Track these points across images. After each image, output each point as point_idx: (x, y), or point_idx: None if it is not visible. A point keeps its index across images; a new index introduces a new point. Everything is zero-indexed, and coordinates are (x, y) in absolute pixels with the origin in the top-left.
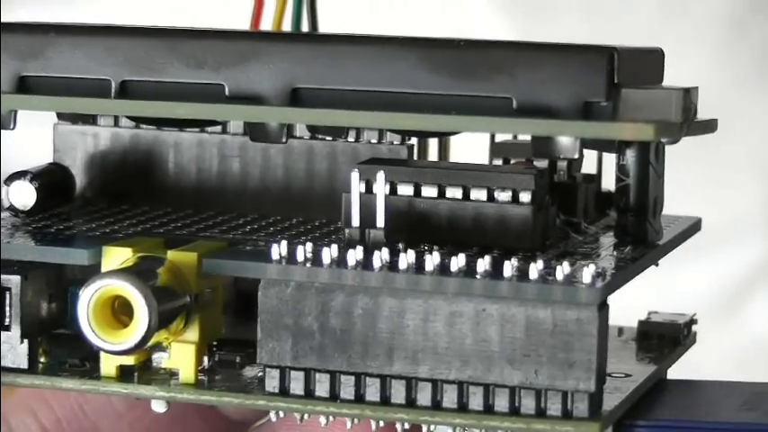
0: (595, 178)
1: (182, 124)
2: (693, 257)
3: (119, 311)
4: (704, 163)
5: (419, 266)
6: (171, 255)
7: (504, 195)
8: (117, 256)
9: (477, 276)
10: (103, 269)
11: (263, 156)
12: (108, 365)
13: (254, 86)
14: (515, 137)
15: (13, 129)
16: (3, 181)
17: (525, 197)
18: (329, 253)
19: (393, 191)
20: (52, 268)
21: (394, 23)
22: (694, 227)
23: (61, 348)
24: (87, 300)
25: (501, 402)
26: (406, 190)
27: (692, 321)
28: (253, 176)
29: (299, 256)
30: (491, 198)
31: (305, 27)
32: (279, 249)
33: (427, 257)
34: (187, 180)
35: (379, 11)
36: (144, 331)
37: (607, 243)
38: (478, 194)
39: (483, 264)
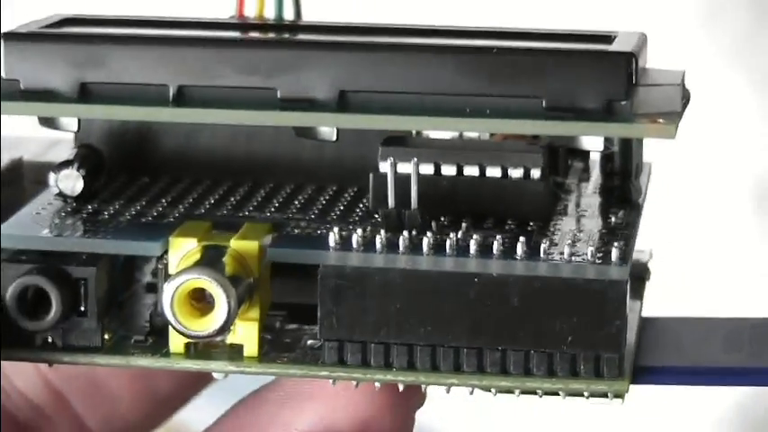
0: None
1: None
2: None
3: (192, 298)
4: None
5: (464, 248)
6: (234, 244)
7: (516, 172)
8: (183, 246)
9: (517, 257)
10: (171, 258)
11: (278, 129)
12: (177, 343)
13: (305, 90)
14: None
15: (77, 131)
16: (51, 169)
17: (536, 173)
18: (380, 239)
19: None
20: (113, 255)
21: (378, 10)
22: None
23: (116, 323)
24: (172, 293)
25: (540, 366)
26: (427, 169)
27: (650, 257)
28: (265, 146)
29: (354, 243)
30: (505, 175)
31: (287, 13)
32: (334, 237)
33: (471, 241)
34: (202, 151)
35: None
36: (225, 319)
37: (595, 203)
38: (494, 172)
39: (521, 245)
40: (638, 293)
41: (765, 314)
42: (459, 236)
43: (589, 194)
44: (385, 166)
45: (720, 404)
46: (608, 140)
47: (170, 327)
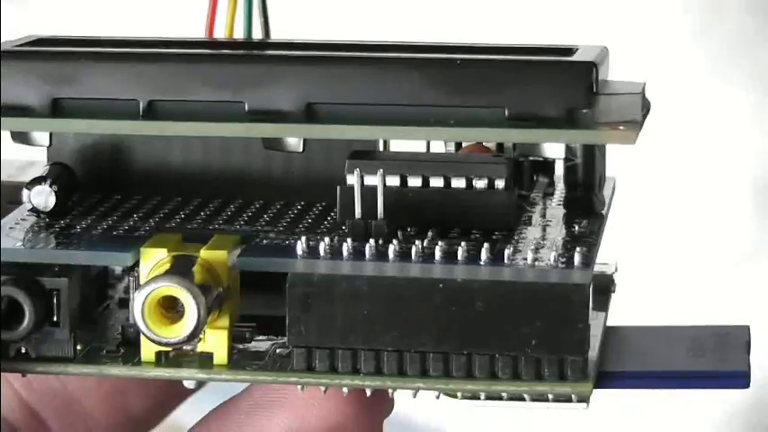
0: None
1: None
2: None
3: (163, 306)
4: None
5: (429, 255)
6: (203, 254)
7: (481, 183)
8: (153, 257)
9: (481, 263)
10: (142, 269)
11: (245, 144)
12: (148, 352)
13: (273, 103)
14: None
15: (49, 146)
16: (25, 185)
17: (500, 183)
18: (347, 247)
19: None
20: (85, 267)
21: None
22: (613, 189)
23: (88, 336)
24: (142, 300)
25: (505, 370)
26: (393, 181)
27: (615, 269)
28: (234, 163)
29: (321, 251)
30: (470, 186)
31: (256, 31)
32: (302, 245)
33: (436, 248)
34: (173, 169)
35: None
36: (195, 325)
37: (559, 214)
38: (459, 183)
39: (485, 251)
40: (604, 305)
41: (728, 322)
42: (424, 244)
43: (554, 206)
44: (352, 179)
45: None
46: (571, 152)
47: (141, 336)
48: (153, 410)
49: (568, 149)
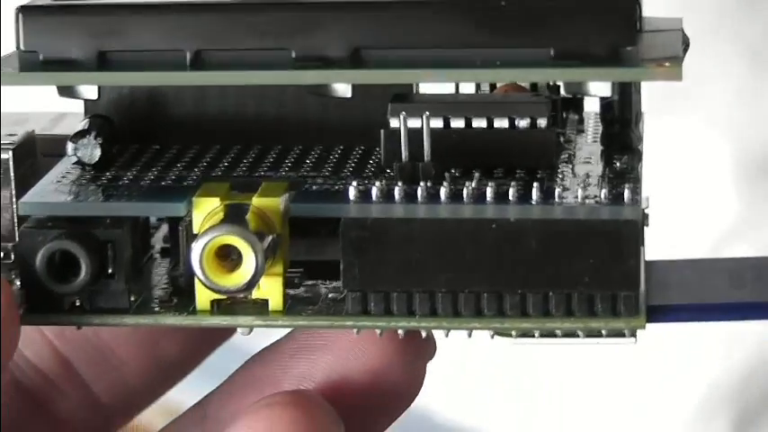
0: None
1: None
2: None
3: (218, 256)
4: None
5: (481, 196)
6: (256, 201)
7: (523, 122)
8: (206, 206)
9: (533, 202)
10: (195, 218)
11: (281, 89)
12: (203, 300)
13: (319, 50)
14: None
15: (97, 99)
16: (69, 138)
17: (542, 122)
18: (398, 190)
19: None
20: (135, 217)
21: None
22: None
23: (138, 286)
24: (200, 250)
25: (559, 307)
26: (436, 123)
27: (648, 204)
28: (271, 109)
29: (374, 195)
30: (512, 125)
31: None
32: (354, 190)
33: (486, 189)
34: (210, 117)
35: None
36: (253, 273)
37: (597, 151)
38: (501, 123)
39: (535, 190)
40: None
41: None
42: (474, 185)
43: (589, 143)
44: (395, 122)
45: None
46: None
47: (196, 284)
48: (186, 356)
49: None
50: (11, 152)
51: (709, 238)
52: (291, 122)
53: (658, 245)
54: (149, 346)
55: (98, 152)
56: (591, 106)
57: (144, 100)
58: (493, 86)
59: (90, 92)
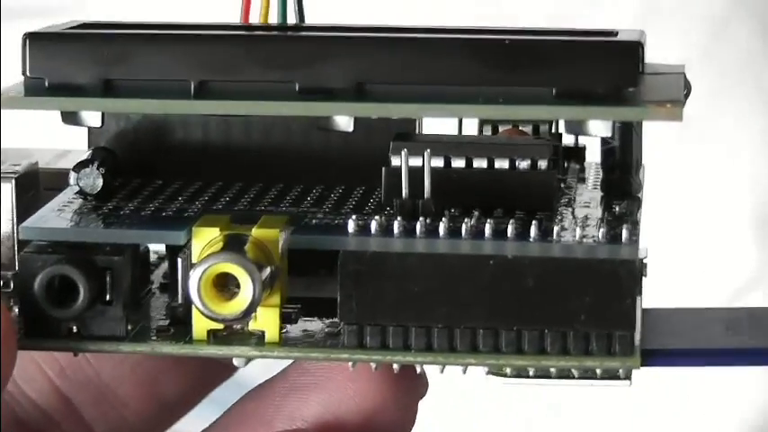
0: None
1: None
2: None
3: (215, 285)
4: None
5: (479, 232)
6: (255, 232)
7: (524, 163)
8: (206, 236)
9: (531, 239)
10: (194, 248)
11: (285, 128)
12: (200, 330)
13: (323, 82)
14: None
15: (101, 127)
16: (71, 168)
17: (543, 164)
18: (398, 224)
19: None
20: (135, 246)
21: (380, 11)
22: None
23: (136, 316)
24: (198, 277)
25: (554, 345)
26: (437, 162)
27: (646, 254)
28: (274, 148)
29: (373, 229)
30: (513, 166)
31: (291, 18)
32: (353, 224)
33: (485, 226)
34: (214, 153)
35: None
36: (250, 302)
37: (596, 197)
38: (502, 164)
39: (534, 228)
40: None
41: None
42: (473, 222)
43: (590, 190)
44: (397, 160)
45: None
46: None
47: (193, 314)
48: (186, 396)
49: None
50: (13, 181)
51: (729, 287)
52: (294, 160)
53: (675, 292)
54: (150, 385)
55: (100, 182)
56: (592, 156)
57: (147, 134)
58: (495, 130)
59: (93, 119)
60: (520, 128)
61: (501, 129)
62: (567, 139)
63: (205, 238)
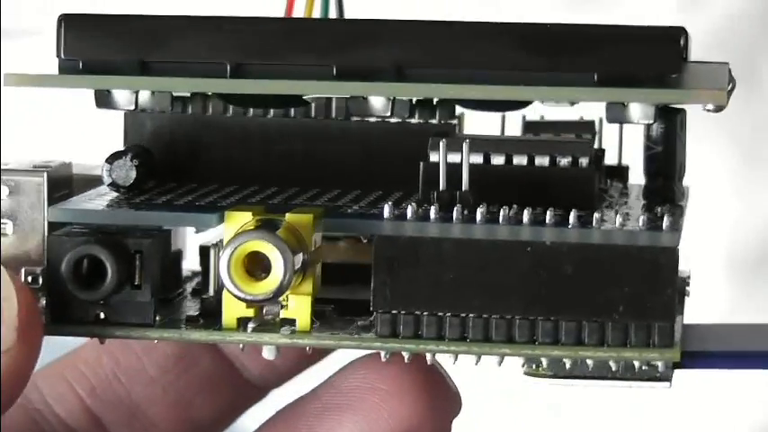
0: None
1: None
2: None
3: (247, 267)
4: None
5: (517, 219)
6: (289, 216)
7: (565, 160)
8: (239, 220)
9: (570, 226)
10: (226, 232)
11: (323, 137)
12: (229, 317)
13: (362, 66)
14: (542, 117)
15: (134, 110)
16: (105, 159)
17: (584, 161)
18: (434, 210)
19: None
20: (165, 233)
21: (420, 9)
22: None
23: (166, 311)
24: (229, 255)
25: (592, 335)
26: (476, 159)
27: (689, 276)
28: (312, 154)
29: (409, 214)
30: (554, 163)
31: (332, 13)
32: (389, 209)
33: (524, 213)
34: (250, 158)
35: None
36: (281, 281)
37: (638, 204)
38: (542, 161)
39: (573, 215)
40: (680, 308)
41: None
42: (510, 212)
43: (632, 199)
44: (435, 156)
45: None
46: (652, 140)
47: (223, 301)
48: (218, 419)
49: (649, 138)
50: (45, 175)
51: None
52: (332, 164)
53: None
54: (182, 407)
55: (133, 174)
56: (635, 179)
57: (184, 136)
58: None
59: (127, 102)
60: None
61: (543, 135)
62: (611, 160)
63: (238, 222)
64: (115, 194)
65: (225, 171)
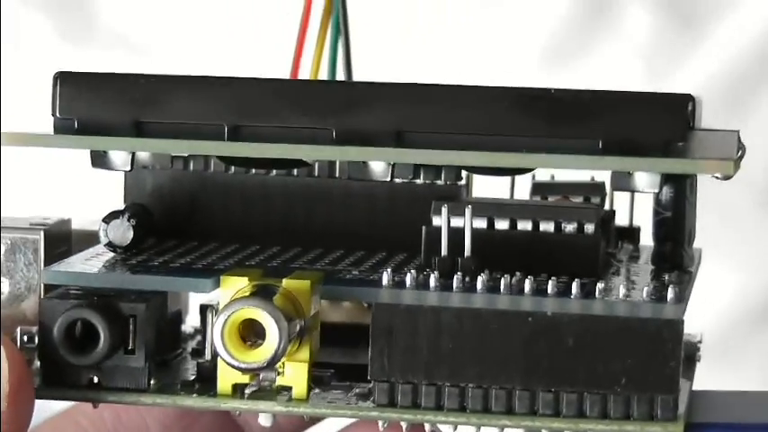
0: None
1: (277, 165)
2: None
3: (242, 334)
4: None
5: (519, 288)
6: (286, 282)
7: (570, 227)
8: (234, 285)
9: (572, 296)
10: (222, 297)
11: (325, 196)
12: (224, 384)
13: (362, 130)
14: (552, 177)
15: (130, 170)
16: (101, 219)
17: (590, 228)
18: (434, 278)
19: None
20: (161, 296)
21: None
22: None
23: (161, 374)
24: (223, 322)
25: (594, 408)
26: (480, 223)
27: (700, 341)
28: (314, 214)
29: (408, 282)
30: (558, 229)
31: (339, 74)
32: (388, 276)
33: (525, 282)
34: (252, 217)
35: (411, 57)
36: (275, 350)
37: (647, 269)
38: (547, 226)
39: (575, 285)
40: (689, 374)
41: None
42: (512, 281)
43: (641, 264)
44: (438, 220)
45: None
46: (661, 205)
47: (219, 367)
48: None
49: (658, 203)
50: (42, 233)
51: None
52: (334, 226)
53: None
54: None
55: (130, 234)
56: (647, 239)
57: (184, 195)
58: (545, 200)
59: (123, 163)
60: (570, 198)
61: (551, 198)
62: (622, 220)
63: (234, 287)
64: (112, 254)
65: (225, 229)
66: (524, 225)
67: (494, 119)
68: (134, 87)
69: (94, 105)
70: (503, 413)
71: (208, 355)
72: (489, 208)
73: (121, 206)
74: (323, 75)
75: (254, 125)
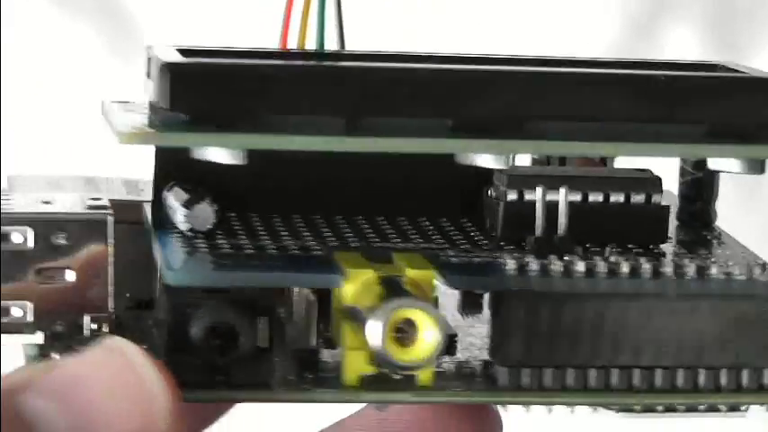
0: None
1: None
2: None
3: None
4: None
5: (633, 272)
6: (410, 273)
7: (638, 198)
8: (361, 278)
9: (687, 277)
10: (348, 290)
11: (390, 167)
12: (351, 375)
13: (479, 119)
14: None
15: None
16: (182, 204)
17: (657, 198)
18: (555, 264)
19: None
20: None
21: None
22: None
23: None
24: (382, 325)
25: (708, 382)
26: (556, 196)
27: None
28: (384, 185)
29: (531, 269)
30: (628, 200)
31: (328, 44)
32: (510, 263)
33: (643, 263)
34: (324, 189)
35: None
36: (437, 347)
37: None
38: (617, 198)
39: (690, 267)
40: None
41: None
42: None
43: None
44: (512, 195)
45: None
46: (695, 165)
47: (343, 360)
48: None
49: (691, 164)
50: (110, 218)
51: None
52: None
53: None
54: None
55: (213, 219)
56: None
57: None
58: (562, 161)
59: (238, 155)
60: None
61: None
62: None
63: (359, 279)
64: (203, 243)
65: (280, 198)
66: (595, 197)
67: (608, 105)
68: (247, 79)
69: (208, 98)
70: (621, 391)
71: (312, 343)
72: (561, 182)
73: (191, 188)
74: (310, 43)
75: (370, 117)
